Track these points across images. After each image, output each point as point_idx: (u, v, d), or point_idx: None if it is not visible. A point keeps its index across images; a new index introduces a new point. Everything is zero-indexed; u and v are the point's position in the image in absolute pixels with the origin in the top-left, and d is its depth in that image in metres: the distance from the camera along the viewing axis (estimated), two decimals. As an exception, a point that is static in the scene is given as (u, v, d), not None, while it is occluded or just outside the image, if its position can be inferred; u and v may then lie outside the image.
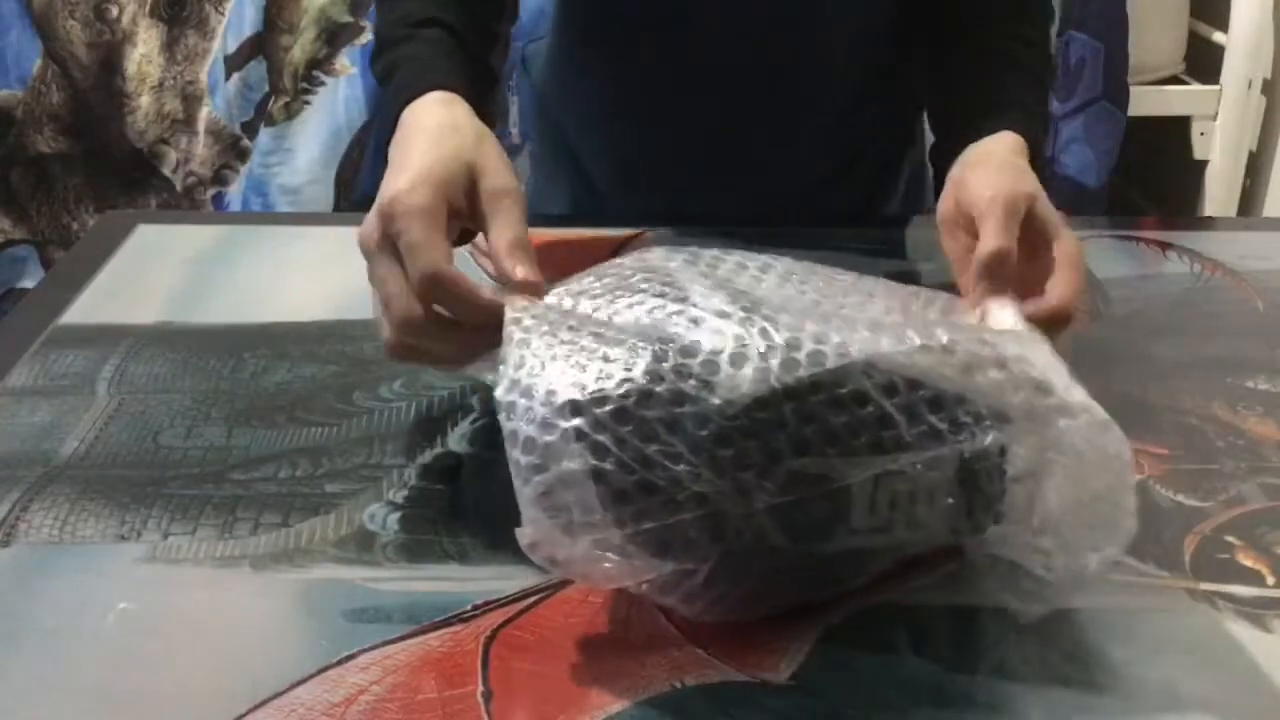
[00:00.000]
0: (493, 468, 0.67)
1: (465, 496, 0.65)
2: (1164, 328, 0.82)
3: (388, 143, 0.67)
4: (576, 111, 1.04)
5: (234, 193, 1.88)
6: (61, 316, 0.83)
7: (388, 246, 0.59)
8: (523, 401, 0.51)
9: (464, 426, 0.71)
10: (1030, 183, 0.66)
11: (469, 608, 0.57)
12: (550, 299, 0.58)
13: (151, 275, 0.89)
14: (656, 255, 0.61)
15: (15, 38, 1.83)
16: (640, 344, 0.52)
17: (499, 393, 0.52)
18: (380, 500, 0.64)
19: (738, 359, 0.51)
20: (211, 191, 1.88)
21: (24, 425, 0.71)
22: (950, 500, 0.53)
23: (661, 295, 0.56)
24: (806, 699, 0.52)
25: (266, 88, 1.85)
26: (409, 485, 0.66)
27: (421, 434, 0.70)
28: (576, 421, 0.50)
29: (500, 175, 0.62)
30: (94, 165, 1.87)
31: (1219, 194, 1.88)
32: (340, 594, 0.58)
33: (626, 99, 0.99)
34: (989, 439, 0.53)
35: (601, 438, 0.50)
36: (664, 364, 0.51)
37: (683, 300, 0.55)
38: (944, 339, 0.53)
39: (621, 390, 0.51)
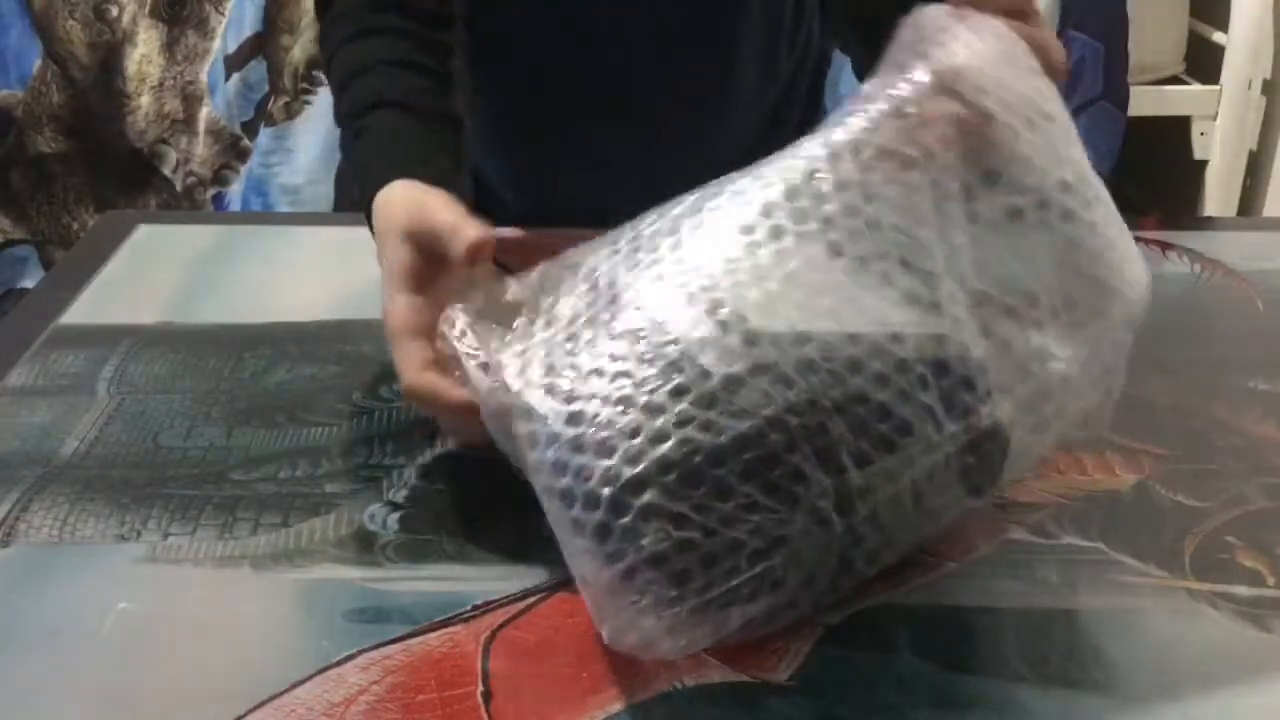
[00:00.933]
0: (493, 468, 0.67)
1: (465, 496, 0.65)
2: (1164, 328, 0.82)
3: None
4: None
5: (234, 193, 1.88)
6: (61, 316, 0.83)
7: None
8: (570, 483, 0.49)
9: (464, 426, 0.71)
10: None
11: (469, 608, 0.57)
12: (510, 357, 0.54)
13: (151, 275, 0.89)
14: (573, 263, 0.59)
15: (15, 38, 1.83)
16: (651, 379, 0.50)
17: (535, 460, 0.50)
18: (380, 500, 0.64)
19: (757, 371, 0.50)
20: (211, 191, 1.88)
21: (24, 425, 0.71)
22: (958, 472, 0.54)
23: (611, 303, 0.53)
24: (806, 699, 0.52)
25: (266, 88, 1.85)
26: (409, 485, 0.66)
27: (421, 434, 0.70)
28: (648, 497, 0.49)
29: (445, 209, 0.64)
30: (94, 165, 1.87)
31: (1219, 194, 1.88)
32: (340, 594, 0.58)
33: (533, 128, 0.97)
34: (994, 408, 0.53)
35: (679, 507, 0.49)
36: (687, 400, 0.49)
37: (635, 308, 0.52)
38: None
39: (685, 449, 0.49)
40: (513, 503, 0.65)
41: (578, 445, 0.50)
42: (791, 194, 0.53)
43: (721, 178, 0.57)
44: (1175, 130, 1.88)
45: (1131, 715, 0.51)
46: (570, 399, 0.51)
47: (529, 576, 0.58)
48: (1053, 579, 0.59)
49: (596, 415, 0.50)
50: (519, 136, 0.98)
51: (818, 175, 0.54)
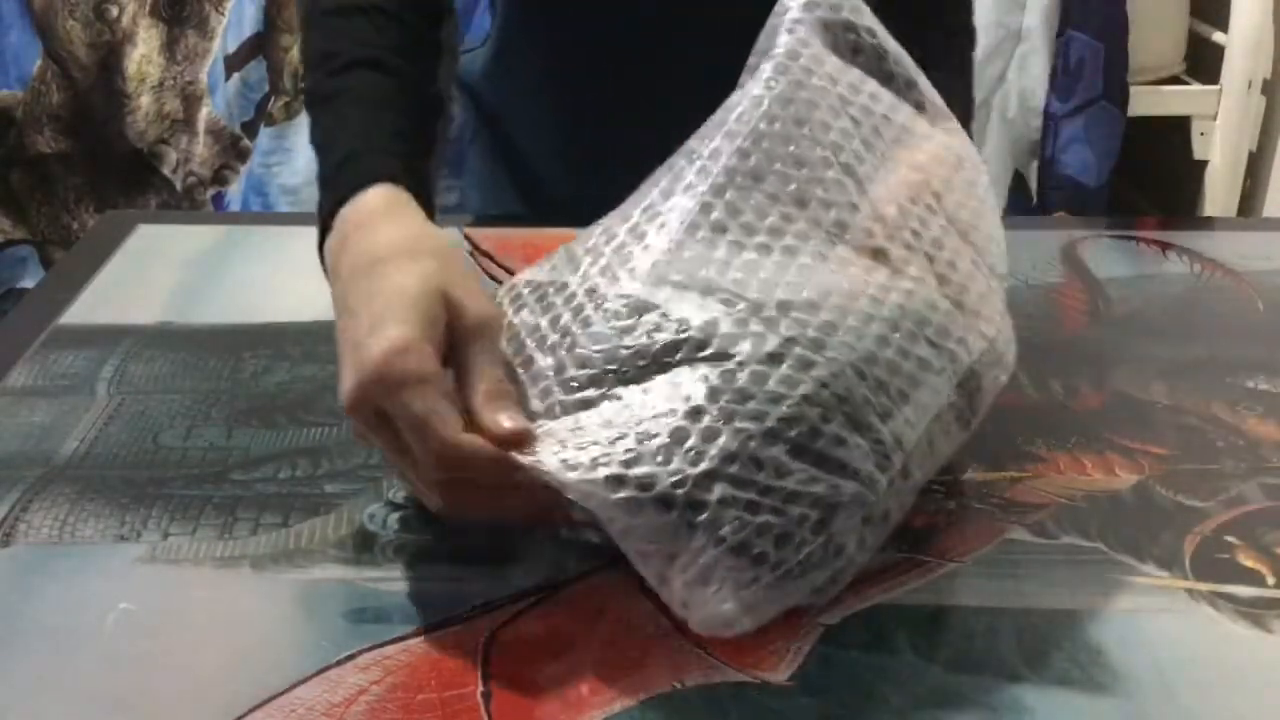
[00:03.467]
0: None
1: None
2: (1164, 328, 0.82)
3: (320, 227, 0.64)
4: (524, 117, 1.01)
5: (234, 193, 1.88)
6: (61, 316, 0.83)
7: (384, 425, 0.54)
8: (632, 494, 0.51)
9: (464, 426, 0.71)
10: None
11: (469, 608, 0.57)
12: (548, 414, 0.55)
13: (151, 275, 0.89)
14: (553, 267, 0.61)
15: (15, 38, 1.83)
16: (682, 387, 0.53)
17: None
18: (380, 500, 0.64)
19: (777, 357, 0.53)
20: (211, 191, 1.88)
21: (24, 425, 0.71)
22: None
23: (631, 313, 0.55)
24: (806, 699, 0.52)
25: (266, 88, 1.85)
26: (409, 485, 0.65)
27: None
28: (719, 490, 0.51)
29: (479, 300, 0.57)
30: (94, 165, 1.87)
31: (1219, 194, 1.88)
32: (340, 594, 0.58)
33: (576, 100, 0.96)
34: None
35: (749, 494, 0.51)
36: (724, 398, 0.52)
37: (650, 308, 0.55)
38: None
39: (740, 437, 0.52)
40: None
41: (636, 456, 0.51)
42: (718, 190, 0.57)
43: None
44: (1175, 130, 1.88)
45: (1131, 715, 0.51)
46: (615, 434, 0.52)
47: (529, 576, 0.58)
48: (1053, 579, 0.59)
49: (642, 428, 0.52)
50: (583, 118, 0.97)
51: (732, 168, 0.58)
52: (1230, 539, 0.61)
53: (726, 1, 0.88)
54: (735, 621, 0.53)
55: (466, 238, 0.93)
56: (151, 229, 0.97)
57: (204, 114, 1.85)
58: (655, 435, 0.51)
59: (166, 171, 1.86)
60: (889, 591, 0.58)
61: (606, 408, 0.53)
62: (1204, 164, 1.88)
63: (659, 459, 0.51)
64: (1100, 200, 1.83)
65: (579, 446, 0.52)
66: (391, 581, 0.59)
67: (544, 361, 0.56)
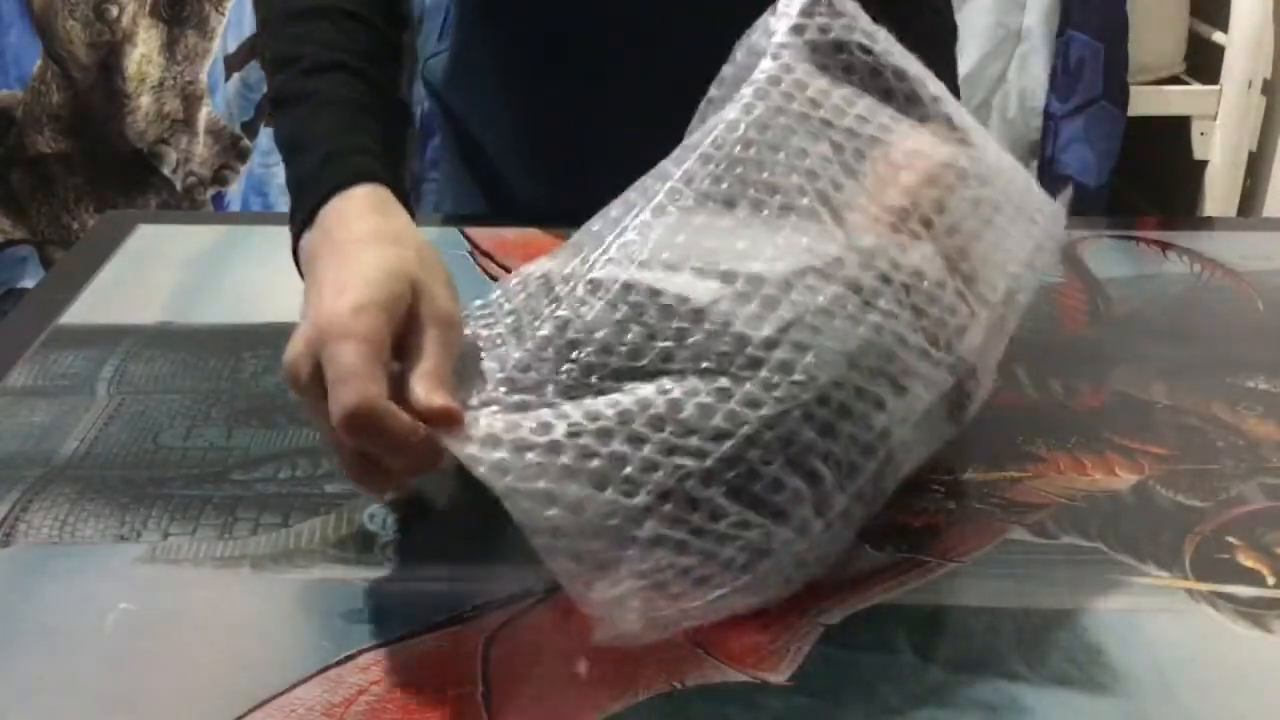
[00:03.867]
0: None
1: (465, 497, 0.65)
2: (1164, 328, 0.82)
3: (298, 225, 0.62)
4: (484, 118, 1.00)
5: (234, 193, 1.88)
6: (61, 316, 0.83)
7: (316, 382, 0.53)
8: (561, 515, 0.50)
9: (464, 426, 0.71)
10: None
11: (469, 608, 0.57)
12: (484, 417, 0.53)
13: (151, 275, 0.89)
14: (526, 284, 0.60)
15: (15, 38, 1.83)
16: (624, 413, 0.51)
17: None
18: (380, 500, 0.64)
19: (725, 392, 0.52)
20: (211, 191, 1.88)
21: (24, 425, 0.71)
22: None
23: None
24: (806, 699, 0.52)
25: (266, 88, 1.85)
26: (409, 485, 0.65)
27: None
28: (649, 528, 0.50)
29: (444, 299, 0.56)
30: (94, 165, 1.87)
31: (1219, 194, 1.88)
32: (340, 594, 0.58)
33: (535, 102, 0.95)
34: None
35: (679, 533, 0.51)
36: (667, 429, 0.51)
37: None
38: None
39: (678, 475, 0.51)
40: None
41: (570, 473, 0.50)
42: (688, 213, 0.56)
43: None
44: (1175, 130, 1.88)
45: (1131, 715, 0.51)
46: (546, 427, 0.51)
47: (529, 576, 0.58)
48: (1053, 579, 0.59)
49: (579, 440, 0.51)
50: (553, 126, 0.96)
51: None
52: (1230, 539, 0.61)
53: (684, 5, 0.88)
54: (637, 637, 0.51)
55: (466, 238, 0.93)
56: (151, 229, 0.97)
57: (204, 114, 1.85)
58: (593, 456, 0.50)
59: (166, 171, 1.86)
60: (889, 591, 0.58)
61: (547, 413, 0.52)
62: (1204, 164, 1.88)
63: (594, 483, 0.50)
64: (1100, 200, 1.83)
65: (516, 449, 0.50)
66: (391, 581, 0.59)
67: (489, 365, 0.56)
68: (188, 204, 1.87)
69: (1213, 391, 0.74)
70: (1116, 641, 0.55)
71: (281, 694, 0.52)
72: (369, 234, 0.58)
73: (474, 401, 0.54)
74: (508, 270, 0.88)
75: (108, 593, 0.58)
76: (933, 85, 0.62)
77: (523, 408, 0.53)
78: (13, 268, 1.91)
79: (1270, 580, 0.59)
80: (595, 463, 0.50)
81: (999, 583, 0.58)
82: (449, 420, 0.51)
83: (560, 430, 0.51)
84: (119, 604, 0.57)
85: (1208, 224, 1.31)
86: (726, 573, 0.51)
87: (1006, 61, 1.80)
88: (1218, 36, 1.88)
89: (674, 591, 0.51)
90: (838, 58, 0.60)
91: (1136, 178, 1.99)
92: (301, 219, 0.63)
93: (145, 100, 1.83)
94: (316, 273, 0.58)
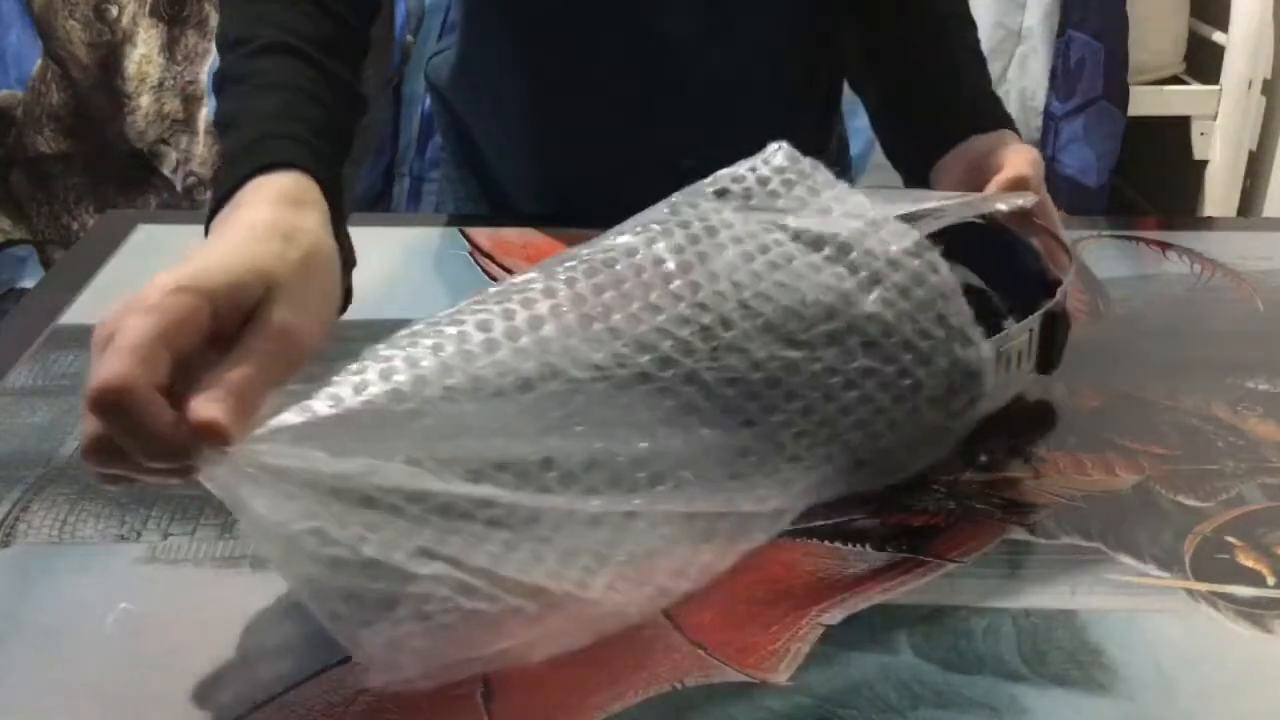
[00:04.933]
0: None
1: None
2: (1164, 328, 0.82)
3: (214, 202, 0.58)
4: (487, 124, 1.00)
5: (234, 193, 1.88)
6: (61, 316, 0.83)
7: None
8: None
9: (464, 426, 0.71)
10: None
11: (469, 608, 0.57)
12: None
13: (151, 275, 0.88)
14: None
15: (15, 38, 1.83)
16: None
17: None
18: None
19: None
20: (211, 191, 1.88)
21: (24, 425, 0.71)
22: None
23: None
24: (806, 699, 0.52)
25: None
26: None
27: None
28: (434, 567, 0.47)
29: (301, 314, 0.51)
30: (94, 165, 1.87)
31: (1219, 194, 1.88)
32: (340, 594, 0.58)
33: (539, 106, 0.95)
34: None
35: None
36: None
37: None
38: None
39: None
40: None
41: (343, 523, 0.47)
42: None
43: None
44: (1175, 130, 1.88)
45: (1131, 715, 0.51)
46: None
47: (529, 576, 0.58)
48: (1053, 579, 0.59)
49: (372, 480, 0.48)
50: (556, 127, 0.96)
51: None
52: (1230, 539, 0.61)
53: (682, 11, 0.88)
54: (414, 682, 0.49)
55: (466, 237, 0.93)
56: (151, 229, 0.97)
57: (204, 114, 1.85)
58: (375, 503, 0.47)
59: (166, 171, 1.87)
60: (889, 591, 0.58)
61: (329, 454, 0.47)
62: (1204, 164, 1.88)
63: (369, 525, 0.47)
64: (1100, 200, 1.83)
65: (293, 479, 0.46)
66: (391, 581, 0.59)
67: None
68: (188, 204, 1.87)
69: (1213, 391, 0.74)
70: (1116, 641, 0.55)
71: (281, 694, 0.52)
72: (259, 222, 0.54)
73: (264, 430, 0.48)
74: (508, 270, 0.88)
75: (108, 593, 0.58)
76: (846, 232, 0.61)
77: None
78: (13, 268, 1.91)
79: (1270, 580, 0.59)
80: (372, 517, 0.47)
81: (999, 583, 0.58)
82: (211, 435, 0.45)
83: (348, 469, 0.47)
84: (119, 604, 0.57)
85: (1208, 224, 1.31)
86: (515, 619, 0.49)
87: (1006, 61, 1.81)
88: (1218, 36, 1.88)
89: (459, 636, 0.48)
90: (771, 202, 0.62)
91: (1136, 178, 1.99)
92: (218, 196, 0.59)
93: (145, 100, 1.84)
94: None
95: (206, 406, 0.46)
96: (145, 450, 0.45)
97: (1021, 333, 0.65)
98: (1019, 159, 0.74)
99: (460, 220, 0.98)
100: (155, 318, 0.47)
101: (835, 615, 0.56)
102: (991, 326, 0.64)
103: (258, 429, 0.47)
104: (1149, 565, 0.60)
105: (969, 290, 0.62)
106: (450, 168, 1.07)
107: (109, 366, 0.45)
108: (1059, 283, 0.68)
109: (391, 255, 0.91)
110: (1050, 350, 0.67)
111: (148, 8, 1.81)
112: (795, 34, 0.95)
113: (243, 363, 0.48)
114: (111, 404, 0.45)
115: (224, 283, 0.50)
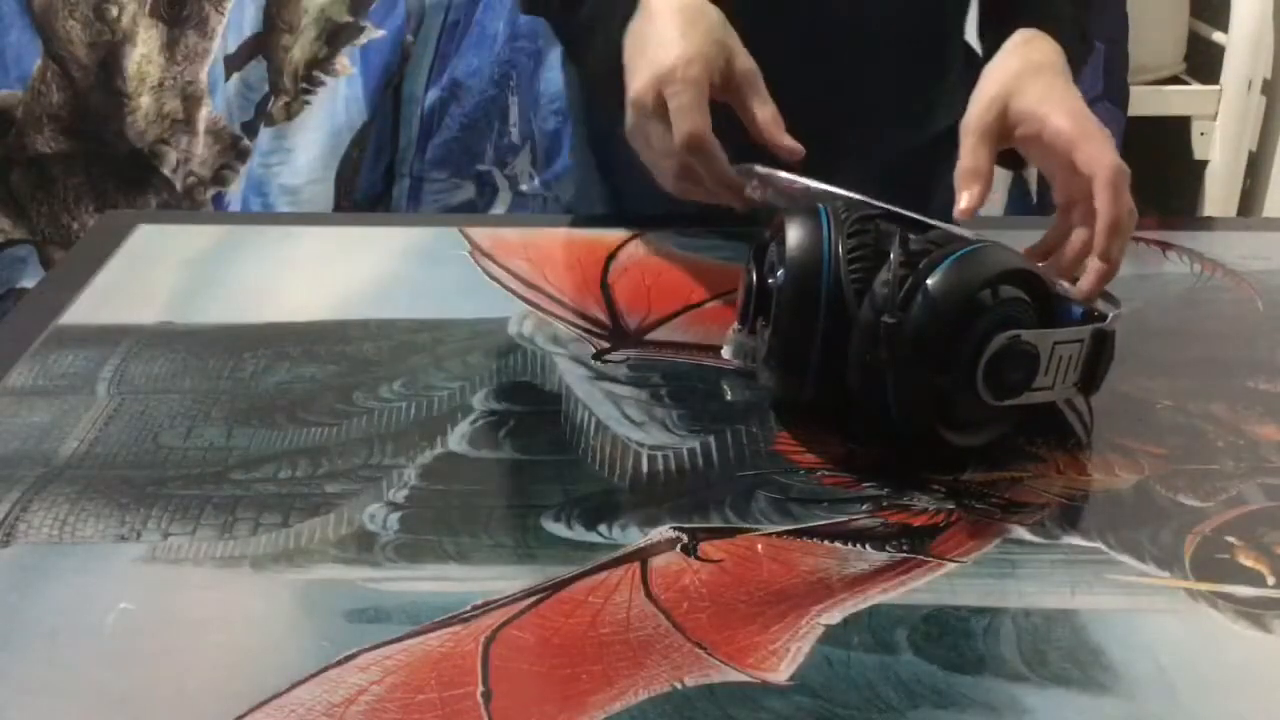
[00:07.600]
0: (493, 467, 0.67)
1: (465, 496, 0.65)
2: (1164, 328, 0.82)
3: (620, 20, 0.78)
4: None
5: (234, 193, 1.88)
6: (61, 316, 0.83)
7: (661, 110, 0.73)
8: None
9: (464, 426, 0.71)
10: (1102, 133, 0.84)
11: (469, 608, 0.57)
12: None
13: (151, 275, 0.89)
14: None
15: (15, 38, 1.83)
16: None
17: None
18: (380, 500, 0.64)
19: None
20: (211, 191, 1.88)
21: (24, 425, 0.71)
22: None
23: None
24: (806, 699, 0.52)
25: (266, 88, 1.85)
26: (409, 485, 0.66)
27: (421, 434, 0.70)
28: None
29: (747, 57, 0.76)
30: (94, 165, 1.87)
31: (1219, 194, 1.88)
32: (340, 594, 0.58)
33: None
34: None
35: None
36: None
37: None
38: None
39: None
40: (513, 503, 0.65)
41: None
42: None
43: None
44: (1175, 130, 1.88)
45: (1131, 715, 0.51)
46: None
47: (529, 576, 0.58)
48: (1053, 579, 0.59)
49: None
50: None
51: None
52: (1230, 539, 0.61)
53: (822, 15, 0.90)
54: None
55: (466, 237, 0.93)
56: (151, 229, 0.97)
57: (204, 114, 1.85)
58: None
59: (166, 171, 1.86)
60: (889, 591, 0.58)
61: None
62: (1204, 164, 1.88)
63: None
64: (1100, 200, 1.82)
65: None
66: (391, 581, 0.59)
67: None
68: (188, 204, 1.87)
69: (1213, 391, 0.74)
70: (1116, 641, 0.55)
71: (281, 694, 0.52)
72: (679, 7, 0.76)
73: None
74: (508, 270, 0.88)
75: (108, 593, 0.58)
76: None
77: None
78: (13, 268, 1.91)
79: (1270, 580, 0.59)
80: None
81: (999, 583, 0.58)
82: (793, 154, 0.75)
83: None
84: (119, 604, 0.57)
85: (1208, 224, 1.31)
86: None
87: (1007, 61, 1.80)
88: (1218, 36, 1.88)
89: None
90: None
91: (1136, 178, 1.99)
92: (624, 14, 0.79)
93: (145, 100, 1.84)
94: (645, 36, 0.77)
95: (784, 139, 0.76)
96: (712, 173, 0.75)
97: (1075, 336, 0.66)
98: (1100, 161, 0.84)
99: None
100: (691, 84, 0.73)
101: (835, 615, 0.56)
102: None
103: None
104: (1149, 565, 0.60)
105: (1033, 292, 0.66)
106: (583, 169, 1.07)
107: (687, 120, 0.73)
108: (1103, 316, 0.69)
109: (391, 255, 0.91)
110: (1095, 368, 0.67)
111: (148, 8, 1.81)
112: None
113: (762, 105, 0.77)
114: (696, 146, 0.74)
115: (709, 56, 0.75)
